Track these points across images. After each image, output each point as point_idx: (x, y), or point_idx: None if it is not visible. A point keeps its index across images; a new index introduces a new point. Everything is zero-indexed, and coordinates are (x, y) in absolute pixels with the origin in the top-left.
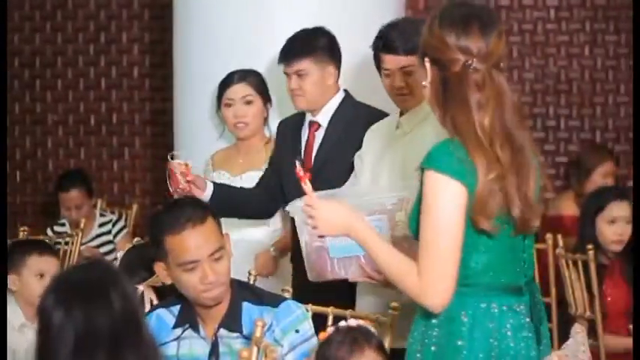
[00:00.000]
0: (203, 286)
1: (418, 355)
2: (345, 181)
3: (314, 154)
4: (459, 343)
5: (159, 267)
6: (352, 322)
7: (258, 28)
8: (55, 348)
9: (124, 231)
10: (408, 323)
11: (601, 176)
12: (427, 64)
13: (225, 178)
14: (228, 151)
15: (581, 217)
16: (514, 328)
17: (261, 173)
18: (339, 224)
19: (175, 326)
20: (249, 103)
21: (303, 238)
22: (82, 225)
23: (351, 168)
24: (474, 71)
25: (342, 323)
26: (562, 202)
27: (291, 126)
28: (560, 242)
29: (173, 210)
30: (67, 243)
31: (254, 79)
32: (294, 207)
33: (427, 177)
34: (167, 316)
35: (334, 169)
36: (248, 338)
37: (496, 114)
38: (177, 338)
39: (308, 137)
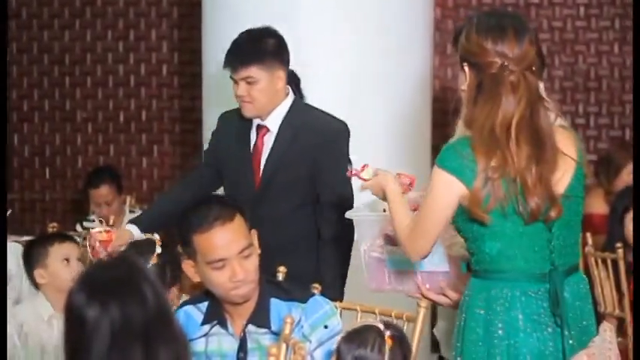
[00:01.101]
0: (232, 284)
1: (455, 331)
2: (298, 187)
3: (264, 159)
4: (472, 324)
5: (187, 265)
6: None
7: (287, 23)
8: (90, 344)
9: None
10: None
11: (630, 174)
12: (466, 69)
13: None
14: None
15: (610, 215)
16: (525, 312)
17: None
18: (378, 185)
19: (204, 323)
20: None
21: (362, 247)
22: (111, 221)
23: (303, 174)
24: (509, 73)
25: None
26: (591, 200)
27: (237, 125)
28: (590, 240)
29: (201, 208)
30: None
31: None
32: (356, 214)
33: (433, 171)
34: (195, 312)
35: (286, 175)
36: (276, 334)
37: (526, 112)
38: (206, 335)
39: (256, 142)
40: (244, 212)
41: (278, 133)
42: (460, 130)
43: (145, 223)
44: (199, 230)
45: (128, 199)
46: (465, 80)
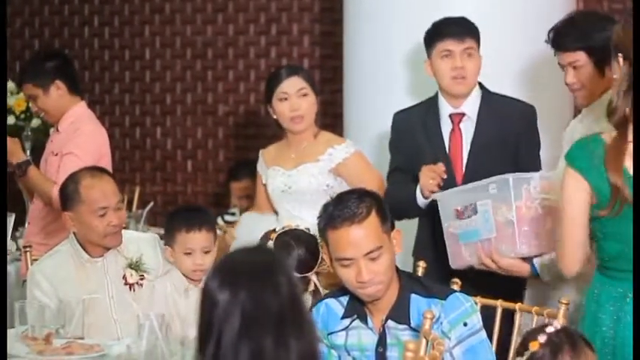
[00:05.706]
0: (357, 284)
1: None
2: (502, 170)
3: (467, 146)
4: (586, 319)
5: (325, 254)
6: (556, 325)
7: (428, 17)
8: (220, 329)
9: None
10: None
11: None
12: (620, 59)
13: (280, 173)
14: (279, 146)
15: None
16: (628, 316)
17: (315, 164)
18: None
19: (344, 316)
20: (305, 95)
21: (445, 226)
22: None
23: (506, 158)
24: None
25: (549, 329)
26: None
27: (418, 120)
28: None
29: (338, 205)
30: None
31: (305, 72)
32: (437, 194)
33: (565, 169)
34: (336, 305)
35: (492, 159)
36: (416, 330)
37: None
38: (346, 328)
39: (453, 129)
40: (383, 210)
41: (479, 117)
42: (573, 123)
43: None
44: (331, 226)
45: None
46: (617, 71)
